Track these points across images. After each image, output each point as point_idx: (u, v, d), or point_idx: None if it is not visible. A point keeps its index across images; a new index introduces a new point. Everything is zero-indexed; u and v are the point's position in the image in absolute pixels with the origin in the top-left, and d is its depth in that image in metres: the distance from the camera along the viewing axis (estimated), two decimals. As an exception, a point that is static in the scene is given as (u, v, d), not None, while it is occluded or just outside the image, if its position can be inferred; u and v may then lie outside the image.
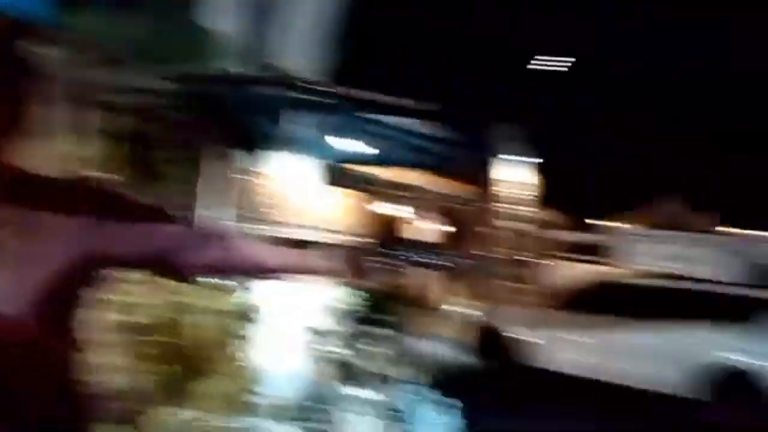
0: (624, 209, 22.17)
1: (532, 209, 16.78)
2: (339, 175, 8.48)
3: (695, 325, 7.02)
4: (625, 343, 7.26)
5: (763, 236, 19.37)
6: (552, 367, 7.57)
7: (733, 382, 6.61)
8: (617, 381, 7.11)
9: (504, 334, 8.17)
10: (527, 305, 11.12)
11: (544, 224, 20.20)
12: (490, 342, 8.11)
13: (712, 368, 6.71)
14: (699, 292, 7.59)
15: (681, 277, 8.82)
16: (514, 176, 16.32)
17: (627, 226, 21.79)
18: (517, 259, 16.05)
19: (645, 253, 19.82)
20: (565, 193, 19.84)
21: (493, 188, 15.96)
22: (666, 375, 6.92)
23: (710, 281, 8.64)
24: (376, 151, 6.94)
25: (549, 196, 18.84)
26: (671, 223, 21.16)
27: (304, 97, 5.02)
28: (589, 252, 20.78)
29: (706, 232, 21.14)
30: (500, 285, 15.66)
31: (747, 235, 20.17)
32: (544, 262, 19.10)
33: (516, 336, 8.06)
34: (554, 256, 20.19)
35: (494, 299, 14.32)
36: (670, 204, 22.82)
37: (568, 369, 7.47)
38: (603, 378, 7.19)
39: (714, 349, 6.85)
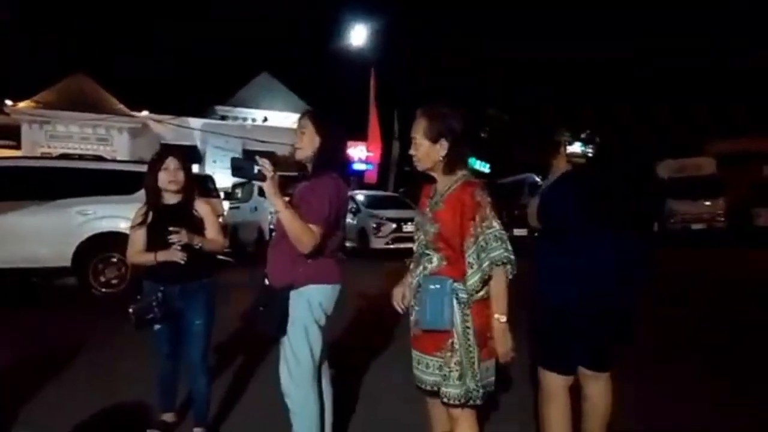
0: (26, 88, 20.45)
1: None
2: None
3: (81, 201, 7.25)
4: (7, 227, 6.97)
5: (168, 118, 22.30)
6: None
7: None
8: (4, 266, 6.98)
9: None
10: None
11: None
12: None
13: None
14: (90, 170, 7.86)
15: (72, 156, 9.44)
16: None
17: (30, 105, 20.51)
18: None
19: (48, 133, 20.19)
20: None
21: None
22: (50, 251, 7.10)
23: (104, 159, 9.45)
24: None
25: None
26: (78, 102, 20.40)
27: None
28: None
29: (113, 113, 21.41)
30: None
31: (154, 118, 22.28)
32: None
33: None
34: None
35: None
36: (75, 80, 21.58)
37: None
38: None
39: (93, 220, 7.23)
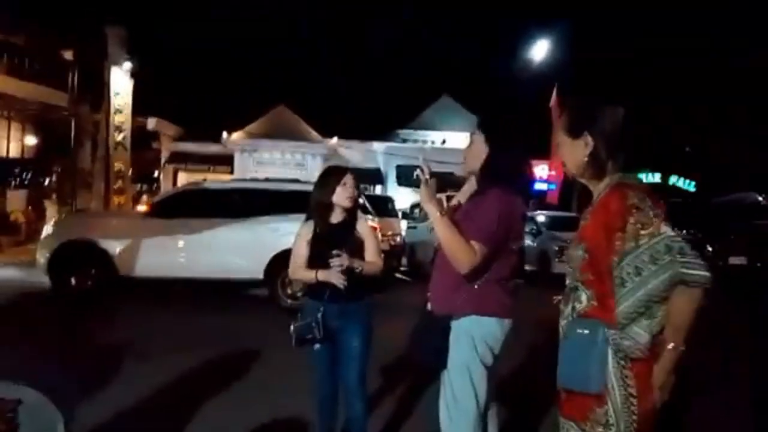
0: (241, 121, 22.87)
1: (129, 118, 15.28)
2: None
3: (273, 219, 7.78)
4: (211, 241, 7.85)
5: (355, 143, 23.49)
6: (147, 274, 7.87)
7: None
8: (205, 276, 7.97)
9: (98, 246, 7.90)
10: (118, 215, 11.34)
11: (151, 134, 21.19)
12: (83, 255, 7.88)
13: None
14: (284, 192, 8.26)
15: (270, 180, 9.79)
16: (115, 83, 14.85)
17: (241, 135, 22.80)
18: (118, 172, 15.23)
19: (255, 160, 22.42)
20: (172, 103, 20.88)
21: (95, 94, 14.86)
22: (247, 264, 7.80)
23: (296, 181, 9.31)
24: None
25: (156, 105, 19.03)
26: (280, 132, 22.52)
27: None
28: (207, 161, 22.22)
29: (308, 140, 23.18)
30: (89, 196, 15.18)
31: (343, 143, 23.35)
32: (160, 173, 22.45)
33: (108, 247, 7.88)
34: (165, 167, 22.50)
35: (84, 210, 14.21)
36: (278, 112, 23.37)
37: (159, 273, 7.88)
38: (191, 275, 7.93)
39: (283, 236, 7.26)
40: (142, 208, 8.75)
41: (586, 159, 1.76)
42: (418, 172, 2.15)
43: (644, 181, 1.87)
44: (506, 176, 2.20)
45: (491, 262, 2.13)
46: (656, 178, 22.79)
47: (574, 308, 1.73)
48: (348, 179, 2.87)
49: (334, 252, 2.74)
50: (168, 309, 7.56)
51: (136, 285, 8.06)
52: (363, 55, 30.78)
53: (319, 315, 2.75)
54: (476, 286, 2.14)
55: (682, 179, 22.84)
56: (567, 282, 1.82)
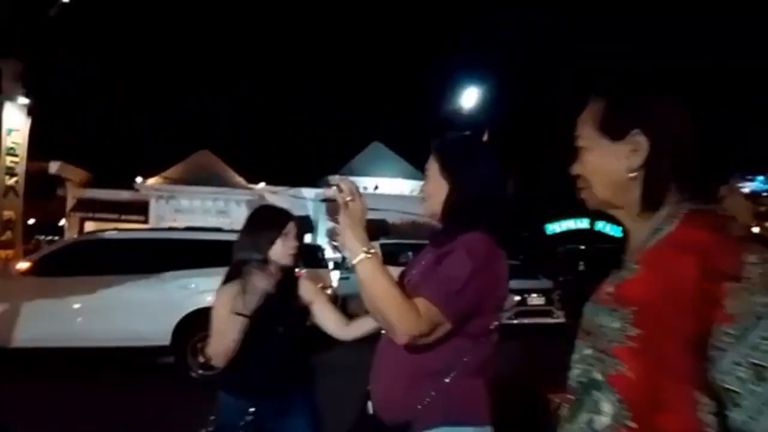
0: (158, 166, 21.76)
1: (24, 160, 13.58)
2: None
3: (183, 274, 6.74)
4: (108, 302, 6.65)
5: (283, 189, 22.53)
6: (29, 344, 6.56)
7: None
8: (101, 344, 6.72)
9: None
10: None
11: (55, 179, 19.88)
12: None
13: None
14: (200, 242, 7.23)
15: (190, 229, 8.64)
16: (9, 119, 13.15)
17: (158, 181, 21.45)
18: (7, 221, 12.95)
19: (173, 207, 21.08)
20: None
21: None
22: (151, 328, 6.65)
23: (218, 230, 8.36)
24: None
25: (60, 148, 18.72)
26: (202, 177, 21.42)
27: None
28: (118, 209, 20.61)
29: (232, 186, 22.18)
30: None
31: (270, 189, 22.48)
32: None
33: None
34: (71, 216, 20.70)
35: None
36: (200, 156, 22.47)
37: (44, 343, 6.58)
38: (83, 344, 6.65)
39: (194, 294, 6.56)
40: (23, 264, 7.31)
41: (632, 174, 1.05)
42: (334, 190, 1.51)
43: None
44: (478, 219, 1.51)
45: (464, 343, 1.43)
46: (584, 223, 23.39)
47: (590, 424, 0.99)
48: (291, 228, 2.17)
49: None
50: (55, 388, 6.20)
51: (15, 358, 6.68)
52: (292, 101, 30.41)
53: (248, 418, 1.97)
54: (447, 381, 1.42)
55: (609, 225, 23.53)
56: (573, 373, 1.07)
